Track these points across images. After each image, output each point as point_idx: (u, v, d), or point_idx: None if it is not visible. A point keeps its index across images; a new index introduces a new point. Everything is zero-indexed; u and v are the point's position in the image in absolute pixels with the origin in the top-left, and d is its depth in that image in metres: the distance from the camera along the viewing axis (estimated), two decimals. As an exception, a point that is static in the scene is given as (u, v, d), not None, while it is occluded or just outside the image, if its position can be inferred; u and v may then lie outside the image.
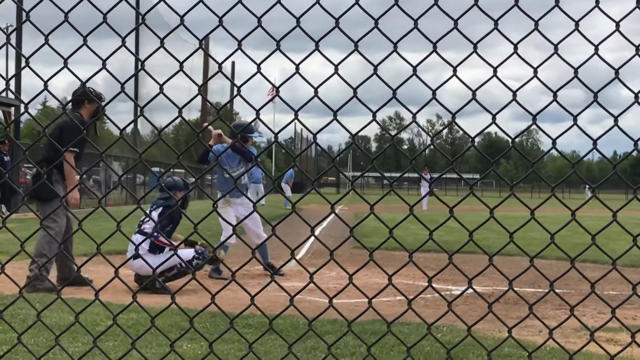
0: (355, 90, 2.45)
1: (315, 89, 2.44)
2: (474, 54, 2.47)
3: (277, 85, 2.64)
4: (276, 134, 2.61)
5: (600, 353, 5.74)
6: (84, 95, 9.52)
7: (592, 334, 2.70)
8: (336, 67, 2.48)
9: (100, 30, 2.73)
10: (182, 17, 2.51)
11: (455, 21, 2.47)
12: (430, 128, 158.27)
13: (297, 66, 2.48)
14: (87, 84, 9.11)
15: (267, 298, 7.23)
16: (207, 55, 40.56)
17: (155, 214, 9.93)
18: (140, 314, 6.96)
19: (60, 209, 9.09)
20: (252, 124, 11.90)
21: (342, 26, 2.54)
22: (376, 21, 2.46)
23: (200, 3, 2.54)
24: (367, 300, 2.66)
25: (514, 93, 2.49)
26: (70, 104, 9.74)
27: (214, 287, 9.50)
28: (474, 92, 2.48)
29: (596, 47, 2.52)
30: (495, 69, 2.47)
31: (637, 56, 2.52)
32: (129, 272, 9.83)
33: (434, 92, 2.47)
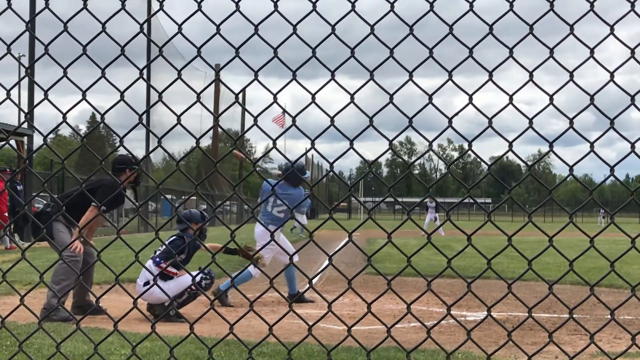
0: (371, 119, 2.46)
1: (332, 118, 2.46)
2: (490, 81, 2.48)
3: (292, 111, 2.66)
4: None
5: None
6: (125, 163, 9.97)
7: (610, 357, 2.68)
8: (352, 96, 2.49)
9: (108, 58, 2.76)
10: (199, 48, 2.54)
11: (471, 49, 2.48)
12: (441, 152, 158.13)
13: (313, 96, 2.50)
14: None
15: (281, 325, 7.21)
16: (218, 83, 40.79)
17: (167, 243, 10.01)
18: (155, 342, 6.95)
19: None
20: (304, 163, 12.47)
21: (356, 53, 2.56)
22: (392, 50, 2.48)
23: (217, 34, 2.56)
24: (382, 327, 2.65)
25: (530, 120, 2.49)
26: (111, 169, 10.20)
27: (225, 315, 9.49)
28: (490, 120, 2.49)
29: (612, 74, 2.52)
30: (511, 97, 2.48)
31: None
32: (140, 301, 9.84)
33: (450, 119, 2.48)
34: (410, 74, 2.46)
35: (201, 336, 6.97)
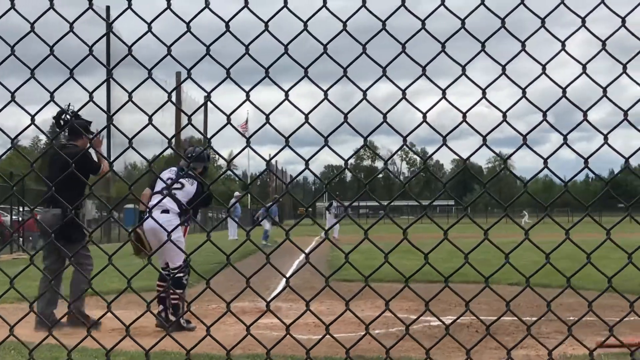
0: (346, 115, 2.45)
1: (306, 115, 2.44)
2: (463, 75, 2.48)
3: (255, 120, 2.63)
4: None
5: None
6: (82, 125, 9.51)
7: (550, 352, 2.68)
8: (325, 92, 2.48)
9: (70, 65, 2.71)
10: (169, 47, 2.50)
11: (443, 44, 2.48)
12: (404, 156, 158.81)
13: (287, 93, 2.48)
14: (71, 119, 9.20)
15: (224, 335, 6.98)
16: (179, 92, 40.56)
17: (189, 185, 9.62)
18: (127, 356, 6.83)
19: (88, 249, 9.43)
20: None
21: (316, 54, 2.55)
22: (364, 46, 2.47)
23: (188, 33, 2.53)
24: (346, 335, 2.63)
25: (504, 114, 2.50)
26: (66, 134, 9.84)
27: (199, 332, 9.30)
28: (464, 115, 2.49)
29: (584, 66, 2.54)
30: (484, 91, 2.48)
31: (624, 74, 2.54)
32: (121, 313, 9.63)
33: (424, 114, 2.48)
34: (384, 69, 2.46)
35: (164, 351, 6.84)
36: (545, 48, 2.89)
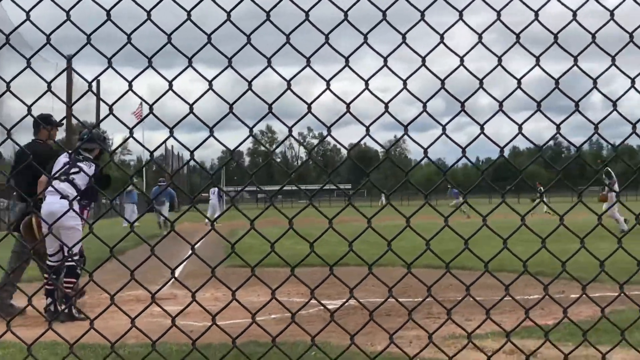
0: (231, 106, 2.45)
1: (191, 106, 2.43)
2: (347, 67, 2.52)
3: (149, 102, 2.61)
4: (152, 152, 2.58)
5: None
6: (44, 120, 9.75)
7: (470, 335, 2.79)
8: (210, 82, 2.47)
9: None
10: (48, 35, 2.44)
11: (327, 35, 2.51)
12: (302, 141, 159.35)
13: (170, 83, 2.46)
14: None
15: (140, 325, 6.89)
16: (69, 74, 39.39)
17: (87, 168, 9.38)
18: (6, 350, 6.63)
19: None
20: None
21: (212, 41, 2.54)
22: (248, 37, 2.47)
23: (67, 21, 2.47)
24: (242, 321, 2.66)
25: (386, 105, 2.56)
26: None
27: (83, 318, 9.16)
28: (348, 105, 2.53)
29: (461, 59, 2.62)
30: (366, 82, 2.53)
31: (499, 66, 2.63)
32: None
33: (309, 105, 2.50)
34: (269, 60, 2.47)
35: (54, 341, 6.67)
36: (428, 38, 2.97)
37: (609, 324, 7.23)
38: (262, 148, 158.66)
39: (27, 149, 8.94)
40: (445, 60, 2.90)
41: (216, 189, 36.78)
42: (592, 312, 8.69)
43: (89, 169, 9.48)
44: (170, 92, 2.51)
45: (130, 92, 2.53)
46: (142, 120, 2.56)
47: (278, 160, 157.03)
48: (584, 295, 3.07)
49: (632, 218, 2.95)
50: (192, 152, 2.47)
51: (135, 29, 2.53)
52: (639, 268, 2.87)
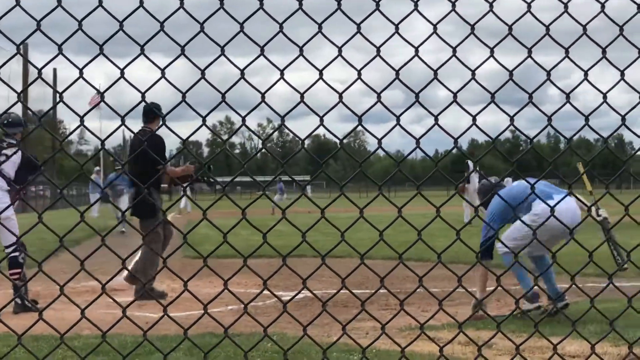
0: (184, 95, 2.41)
1: (143, 94, 2.39)
2: (301, 57, 2.50)
3: (102, 90, 2.56)
4: (103, 141, 2.53)
5: (425, 351, 5.95)
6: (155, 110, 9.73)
7: (422, 326, 2.80)
8: (163, 71, 2.43)
9: None
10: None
11: (281, 24, 2.49)
12: (261, 132, 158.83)
13: (122, 71, 2.42)
14: None
15: (94, 317, 6.78)
16: (26, 62, 38.81)
17: (12, 155, 9.13)
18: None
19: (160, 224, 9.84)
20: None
21: (168, 30, 2.50)
22: (202, 25, 2.44)
23: (17, 7, 2.41)
24: (197, 312, 2.63)
25: (340, 95, 2.54)
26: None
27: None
28: (302, 95, 2.51)
29: (416, 49, 2.62)
30: (321, 72, 2.51)
31: (454, 57, 2.64)
32: None
33: (262, 95, 2.48)
34: (222, 48, 2.44)
35: (8, 333, 6.55)
36: (391, 29, 2.96)
37: (567, 314, 7.29)
38: (220, 139, 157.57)
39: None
40: (405, 51, 2.90)
41: None
42: (547, 304, 8.80)
43: (16, 155, 9.26)
44: (127, 79, 2.47)
45: (83, 79, 2.48)
46: (92, 108, 2.52)
47: (237, 151, 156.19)
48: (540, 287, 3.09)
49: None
50: (143, 142, 2.44)
51: (86, 16, 2.48)
52: (590, 260, 2.91)
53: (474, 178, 23.72)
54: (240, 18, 2.52)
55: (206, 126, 2.41)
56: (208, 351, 2.67)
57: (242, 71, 2.46)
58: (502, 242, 8.07)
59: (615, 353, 6.19)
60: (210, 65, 2.56)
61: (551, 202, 8.61)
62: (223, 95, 2.44)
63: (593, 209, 7.80)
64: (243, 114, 2.49)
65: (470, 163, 24.23)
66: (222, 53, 2.45)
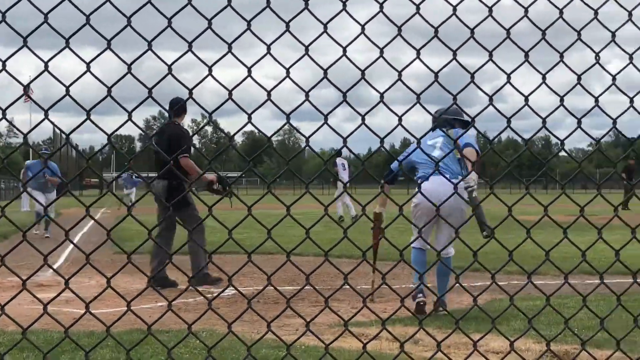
0: (109, 89, 2.39)
1: (67, 87, 2.36)
2: (229, 53, 2.50)
3: (39, 85, 2.52)
4: (25, 135, 2.49)
5: (353, 348, 6.00)
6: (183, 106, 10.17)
7: (347, 323, 2.83)
8: (88, 65, 2.40)
9: None
10: None
11: (210, 20, 2.48)
12: (195, 128, 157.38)
13: (46, 64, 2.38)
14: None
15: (20, 312, 6.63)
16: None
17: None
18: None
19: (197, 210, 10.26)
20: None
21: (102, 23, 2.48)
22: (129, 19, 2.41)
23: None
24: (124, 308, 2.61)
25: (269, 93, 2.55)
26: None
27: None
28: (230, 92, 2.51)
29: (344, 49, 2.64)
30: (249, 69, 2.51)
31: (381, 58, 2.67)
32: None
33: (190, 91, 2.47)
34: (149, 43, 2.42)
35: None
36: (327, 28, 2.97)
37: (491, 312, 7.44)
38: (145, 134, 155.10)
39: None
40: (336, 49, 2.91)
41: (125, 173, 35.76)
42: (469, 301, 8.95)
43: None
44: (52, 73, 2.43)
45: (6, 72, 2.43)
46: (15, 101, 2.46)
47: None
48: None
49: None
50: (67, 136, 2.40)
51: (10, 7, 2.43)
52: (510, 259, 2.98)
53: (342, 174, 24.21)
54: (167, 12, 2.51)
55: (132, 121, 2.39)
56: (130, 348, 2.65)
57: (169, 67, 2.45)
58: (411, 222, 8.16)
59: (537, 349, 6.35)
60: (145, 60, 2.55)
61: (426, 172, 8.59)
62: (150, 90, 2.42)
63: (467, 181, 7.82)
64: (165, 108, 2.48)
65: (337, 160, 24.65)
66: (149, 48, 2.43)
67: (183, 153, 9.94)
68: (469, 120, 2.85)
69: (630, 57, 3.08)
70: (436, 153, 8.13)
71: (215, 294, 9.33)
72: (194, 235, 9.97)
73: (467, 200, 7.69)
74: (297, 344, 3.34)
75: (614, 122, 3.09)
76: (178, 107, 10.16)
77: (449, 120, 8.26)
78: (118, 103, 2.41)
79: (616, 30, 3.04)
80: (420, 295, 8.16)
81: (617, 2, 3.06)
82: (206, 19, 2.47)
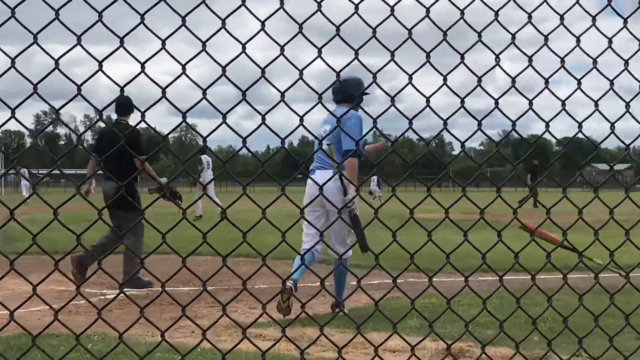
0: (79, 87, 2.29)
1: (35, 85, 2.26)
2: (121, 48, 2.39)
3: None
4: (37, 134, 2.30)
5: (250, 350, 5.91)
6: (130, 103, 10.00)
7: (245, 331, 2.75)
8: (56, 61, 2.31)
9: None
10: None
11: (100, 13, 2.36)
12: (88, 123, 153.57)
13: (13, 60, 2.26)
14: None
15: None
16: None
17: None
18: None
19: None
20: None
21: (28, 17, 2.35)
22: (57, 12, 2.30)
23: None
24: (9, 312, 2.46)
25: (163, 90, 2.45)
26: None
27: None
28: (122, 88, 2.41)
29: (243, 46, 2.56)
30: (142, 65, 2.40)
31: (282, 56, 2.61)
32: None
33: (79, 87, 2.34)
34: (35, 35, 2.28)
35: None
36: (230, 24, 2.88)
37: (389, 310, 7.48)
38: (49, 129, 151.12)
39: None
40: (235, 46, 2.83)
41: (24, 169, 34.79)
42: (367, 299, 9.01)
43: None
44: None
45: None
46: None
47: (62, 142, 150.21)
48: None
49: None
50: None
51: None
52: (412, 262, 2.96)
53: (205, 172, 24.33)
54: (100, 7, 2.40)
55: (15, 118, 2.26)
56: (20, 356, 2.49)
57: (56, 61, 2.31)
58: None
59: (433, 348, 6.43)
60: (37, 54, 2.44)
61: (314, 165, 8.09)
62: (35, 85, 2.28)
63: (352, 192, 7.35)
64: (52, 105, 2.36)
65: (203, 157, 24.54)
66: (35, 41, 2.28)
67: (142, 155, 9.45)
68: (372, 118, 2.80)
69: (530, 59, 3.11)
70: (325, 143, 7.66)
71: (110, 299, 9.07)
72: (134, 240, 9.81)
73: (349, 211, 7.37)
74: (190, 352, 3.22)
75: (514, 124, 3.12)
76: (122, 106, 10.08)
77: (345, 94, 7.30)
78: (86, 100, 2.32)
79: (516, 32, 3.06)
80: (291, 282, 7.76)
81: (516, 3, 3.09)
82: (97, 11, 2.35)
